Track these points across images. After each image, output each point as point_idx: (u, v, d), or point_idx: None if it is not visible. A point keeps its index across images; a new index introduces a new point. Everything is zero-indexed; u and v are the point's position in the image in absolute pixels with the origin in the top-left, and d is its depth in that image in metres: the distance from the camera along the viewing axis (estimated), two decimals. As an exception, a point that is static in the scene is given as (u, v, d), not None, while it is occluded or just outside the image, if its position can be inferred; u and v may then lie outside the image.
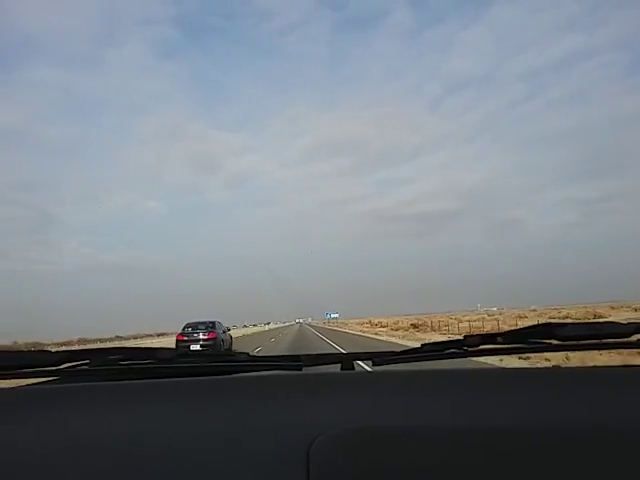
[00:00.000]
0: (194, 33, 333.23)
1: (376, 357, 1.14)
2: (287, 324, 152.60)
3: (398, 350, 1.17)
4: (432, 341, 1.29)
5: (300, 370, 1.12)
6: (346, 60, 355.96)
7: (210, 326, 20.38)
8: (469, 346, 1.10)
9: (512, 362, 8.82)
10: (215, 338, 19.63)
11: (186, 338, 19.68)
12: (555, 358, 7.74)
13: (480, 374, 0.96)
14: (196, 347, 18.73)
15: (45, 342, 66.02)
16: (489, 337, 1.10)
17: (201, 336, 19.67)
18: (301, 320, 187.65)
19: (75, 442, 0.71)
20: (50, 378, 1.10)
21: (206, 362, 1.17)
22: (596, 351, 1.07)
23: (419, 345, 1.17)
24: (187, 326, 20.67)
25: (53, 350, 1.12)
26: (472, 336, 1.11)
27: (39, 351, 1.11)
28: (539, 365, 7.42)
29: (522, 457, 0.61)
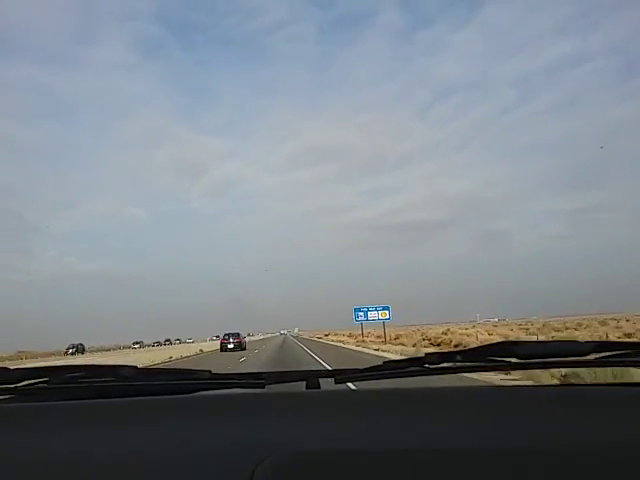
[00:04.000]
0: (176, 30, 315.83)
1: (339, 374, 1.14)
2: (270, 335, 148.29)
3: (361, 368, 1.17)
4: (393, 359, 1.30)
5: (263, 388, 1.12)
6: (333, 62, 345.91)
7: (237, 335, 40.38)
8: (430, 364, 1.10)
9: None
10: (240, 341, 39.74)
11: (225, 341, 39.64)
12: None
13: (442, 393, 0.97)
14: (231, 346, 38.37)
15: (30, 351, 64.62)
16: (449, 355, 1.10)
17: (231, 339, 39.41)
18: (285, 332, 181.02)
19: (25, 463, 0.71)
20: (6, 396, 1.09)
21: (168, 380, 1.17)
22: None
23: (381, 363, 1.17)
24: (225, 335, 40.69)
25: (12, 367, 1.12)
26: (433, 354, 1.11)
27: None
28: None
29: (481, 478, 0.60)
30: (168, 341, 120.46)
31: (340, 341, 48.75)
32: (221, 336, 42.18)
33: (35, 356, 58.83)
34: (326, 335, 79.87)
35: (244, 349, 37.81)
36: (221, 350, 38.50)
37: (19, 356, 58.63)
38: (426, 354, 1.12)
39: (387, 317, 43.89)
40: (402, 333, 49.71)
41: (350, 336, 59.02)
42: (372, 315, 44.08)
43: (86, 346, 75.69)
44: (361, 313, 44.47)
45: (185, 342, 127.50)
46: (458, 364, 1.11)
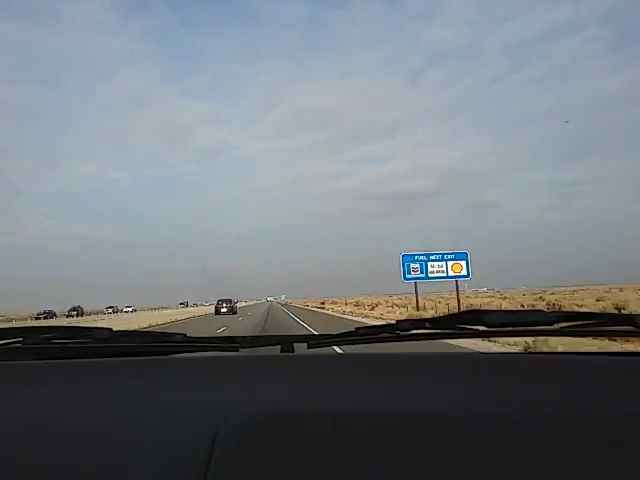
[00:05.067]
0: None
1: (312, 340, 1.16)
2: (255, 302, 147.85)
3: (334, 333, 1.18)
4: (366, 325, 1.31)
5: (237, 351, 1.13)
6: (323, 25, 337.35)
7: (229, 300, 45.43)
8: (401, 330, 1.12)
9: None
10: (232, 306, 44.72)
11: (219, 305, 44.38)
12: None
13: (415, 358, 0.98)
14: (224, 310, 43.18)
15: (6, 316, 63.08)
16: (420, 322, 1.12)
17: (224, 304, 44.20)
18: (271, 299, 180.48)
19: (4, 422, 0.72)
20: None
21: (142, 342, 1.18)
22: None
23: (353, 329, 1.19)
24: (219, 300, 45.59)
25: None
26: (404, 321, 1.13)
27: None
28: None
29: (447, 442, 0.61)
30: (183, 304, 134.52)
31: (358, 314, 33.63)
32: (215, 301, 47.42)
33: (9, 319, 57.74)
34: (322, 304, 66.22)
35: (235, 313, 42.68)
36: (216, 313, 43.04)
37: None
38: (397, 321, 1.14)
39: (465, 273, 26.59)
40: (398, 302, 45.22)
41: (357, 305, 47.13)
42: (436, 269, 26.27)
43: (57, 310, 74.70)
44: (416, 266, 26.39)
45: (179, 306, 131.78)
46: (429, 331, 1.13)
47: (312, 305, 72.40)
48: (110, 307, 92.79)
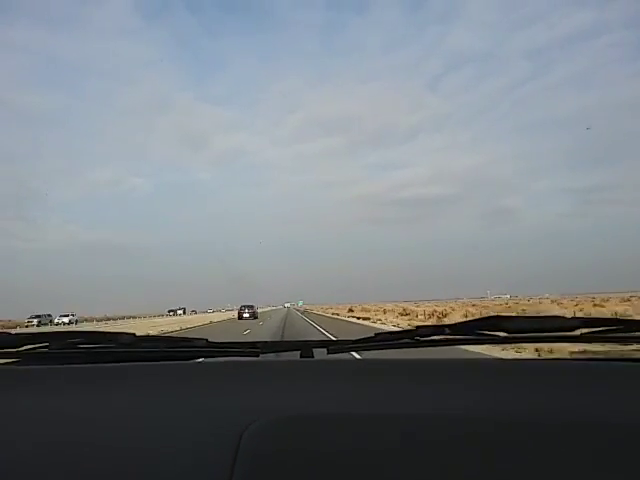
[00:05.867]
0: None
1: (332, 345, 1.17)
2: (272, 309, 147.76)
3: (354, 339, 1.19)
4: (386, 331, 1.31)
5: (257, 357, 1.15)
6: (343, 30, 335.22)
7: (251, 306, 49.10)
8: (421, 336, 1.12)
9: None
10: (254, 311, 48.11)
11: (242, 311, 47.82)
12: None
13: (435, 364, 0.98)
14: (246, 315, 46.66)
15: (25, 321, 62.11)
16: (440, 328, 1.12)
17: (247, 310, 47.63)
18: (289, 305, 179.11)
19: (32, 424, 0.73)
20: (9, 360, 1.13)
21: (165, 347, 1.20)
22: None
23: (373, 334, 1.19)
24: (242, 306, 49.21)
25: (13, 332, 1.16)
26: (424, 326, 1.13)
27: None
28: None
29: (467, 446, 0.62)
30: (172, 311, 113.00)
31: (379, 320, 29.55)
32: (237, 307, 51.97)
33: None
34: (350, 311, 54.19)
35: (256, 317, 46.76)
36: (238, 318, 47.37)
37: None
38: (417, 326, 1.14)
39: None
40: (418, 309, 44.01)
41: (405, 314, 36.88)
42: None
43: (80, 315, 73.32)
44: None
45: (204, 312, 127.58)
46: (448, 337, 1.13)
47: (334, 313, 57.76)
48: (171, 310, 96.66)
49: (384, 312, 44.99)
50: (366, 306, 75.25)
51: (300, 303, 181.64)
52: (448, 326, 1.12)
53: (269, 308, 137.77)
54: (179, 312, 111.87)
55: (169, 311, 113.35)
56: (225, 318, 52.24)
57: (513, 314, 1.17)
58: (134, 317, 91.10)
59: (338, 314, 52.38)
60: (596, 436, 0.63)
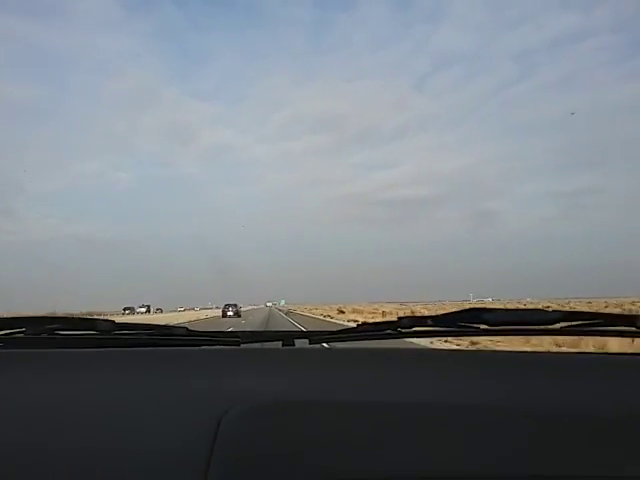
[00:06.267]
0: None
1: (314, 336, 1.16)
2: (255, 307, 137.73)
3: (335, 330, 1.19)
4: (368, 322, 1.31)
5: (238, 346, 1.14)
6: (330, 27, 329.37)
7: (234, 305, 51.72)
8: (403, 327, 1.12)
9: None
10: (237, 310, 50.40)
11: (226, 309, 50.53)
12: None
13: (412, 353, 0.99)
14: (230, 313, 49.11)
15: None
16: (422, 319, 1.12)
17: (230, 309, 50.08)
18: (270, 304, 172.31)
19: (6, 407, 0.73)
20: None
21: (144, 335, 1.18)
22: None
23: (355, 325, 1.18)
24: (226, 305, 52.16)
25: None
26: (406, 317, 1.13)
27: None
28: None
29: (446, 432, 0.63)
30: (129, 309, 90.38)
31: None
32: (216, 306, 54.38)
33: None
34: (341, 312, 49.17)
35: (239, 316, 48.45)
36: (222, 316, 49.82)
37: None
38: (399, 317, 1.14)
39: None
40: (394, 310, 42.88)
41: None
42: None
43: (60, 311, 71.49)
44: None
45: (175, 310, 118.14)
46: (430, 329, 1.13)
47: (325, 314, 49.01)
48: (127, 308, 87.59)
49: (383, 314, 39.23)
50: (357, 307, 64.63)
51: (282, 302, 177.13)
52: (430, 317, 1.12)
53: (250, 307, 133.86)
54: (140, 310, 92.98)
55: (125, 309, 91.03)
56: (197, 318, 46.54)
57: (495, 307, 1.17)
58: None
59: (330, 316, 44.86)
60: (574, 427, 0.65)
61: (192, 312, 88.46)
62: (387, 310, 47.79)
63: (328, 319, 38.88)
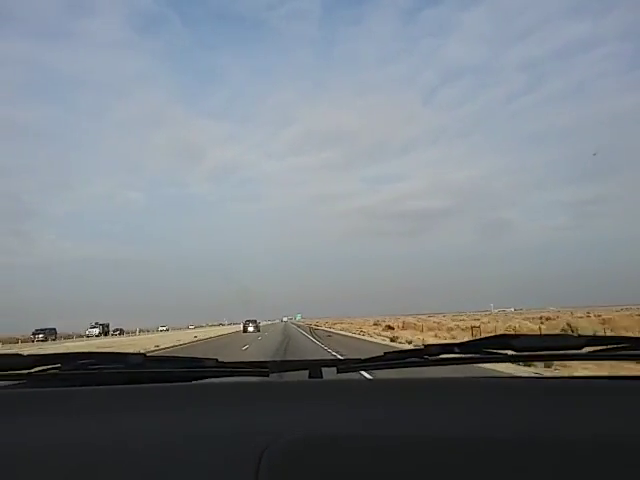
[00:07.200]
0: (175, 4, 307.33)
1: (341, 364, 1.17)
2: (269, 322, 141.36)
3: (362, 358, 1.19)
4: (395, 350, 1.32)
5: (267, 376, 1.15)
6: (337, 43, 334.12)
7: (254, 320, 56.02)
8: (430, 355, 1.13)
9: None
10: (257, 325, 55.73)
11: (246, 324, 54.57)
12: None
13: (442, 383, 0.99)
14: (251, 329, 53.00)
15: (18, 336, 59.43)
16: (448, 347, 1.13)
17: (251, 324, 54.27)
18: (286, 319, 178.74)
19: (42, 447, 0.73)
20: (20, 381, 1.14)
21: (175, 368, 1.21)
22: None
23: (382, 353, 1.19)
24: (246, 320, 56.18)
25: (25, 354, 1.17)
26: (433, 345, 1.14)
27: (10, 354, 1.15)
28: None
29: (480, 467, 0.62)
30: (41, 332, 60.99)
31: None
32: (226, 323, 58.27)
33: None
34: (390, 328, 39.58)
35: (259, 330, 52.68)
36: (243, 331, 52.39)
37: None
38: (426, 345, 1.15)
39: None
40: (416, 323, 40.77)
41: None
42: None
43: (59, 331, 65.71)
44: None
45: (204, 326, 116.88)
46: (457, 356, 1.14)
47: (360, 330, 39.77)
48: (39, 331, 61.83)
49: (448, 330, 31.67)
50: (409, 320, 53.97)
51: (298, 317, 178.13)
52: (457, 344, 1.13)
53: (264, 322, 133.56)
54: (91, 332, 72.30)
55: (35, 332, 63.81)
56: (191, 340, 35.27)
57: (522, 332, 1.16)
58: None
59: (367, 335, 31.57)
60: (599, 456, 0.64)
61: (184, 332, 72.76)
62: (448, 325, 39.42)
63: (378, 340, 26.02)
